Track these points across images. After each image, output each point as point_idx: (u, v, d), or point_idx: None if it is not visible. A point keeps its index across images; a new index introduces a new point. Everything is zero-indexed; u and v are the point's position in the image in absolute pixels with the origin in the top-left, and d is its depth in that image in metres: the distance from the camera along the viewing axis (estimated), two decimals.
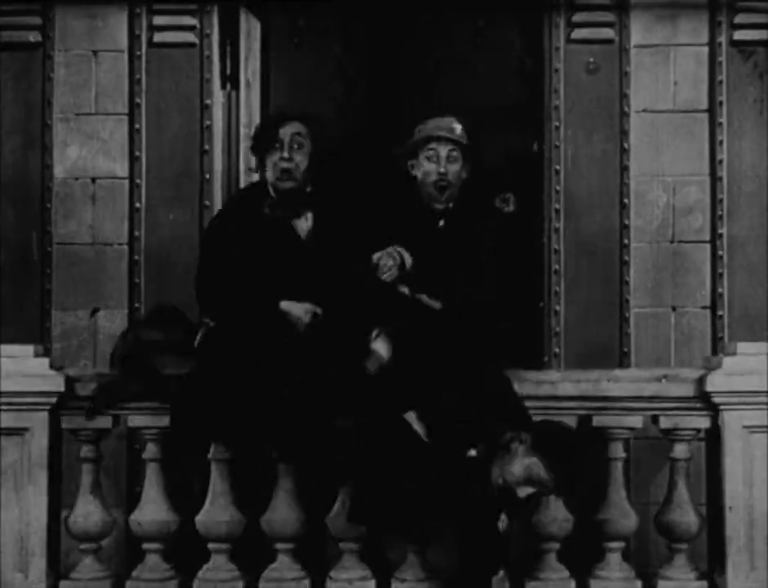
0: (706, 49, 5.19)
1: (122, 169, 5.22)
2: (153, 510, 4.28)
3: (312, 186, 4.30)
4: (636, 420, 4.27)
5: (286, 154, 4.21)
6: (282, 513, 4.24)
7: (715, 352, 5.05)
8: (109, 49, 5.23)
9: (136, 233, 5.21)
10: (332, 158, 4.33)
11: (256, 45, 5.39)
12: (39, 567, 4.18)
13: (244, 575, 4.29)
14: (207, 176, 5.23)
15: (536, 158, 5.31)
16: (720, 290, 5.16)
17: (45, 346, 4.46)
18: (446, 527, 4.00)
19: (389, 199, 4.40)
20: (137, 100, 5.23)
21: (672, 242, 5.19)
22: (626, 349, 5.15)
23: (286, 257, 4.20)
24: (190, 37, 5.25)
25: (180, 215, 5.20)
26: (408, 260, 4.16)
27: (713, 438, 4.27)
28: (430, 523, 4.02)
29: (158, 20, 5.24)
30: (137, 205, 5.21)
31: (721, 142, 5.17)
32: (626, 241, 5.18)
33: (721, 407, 4.18)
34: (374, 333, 4.09)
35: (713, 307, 5.17)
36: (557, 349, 5.17)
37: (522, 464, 3.82)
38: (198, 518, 4.26)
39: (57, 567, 4.32)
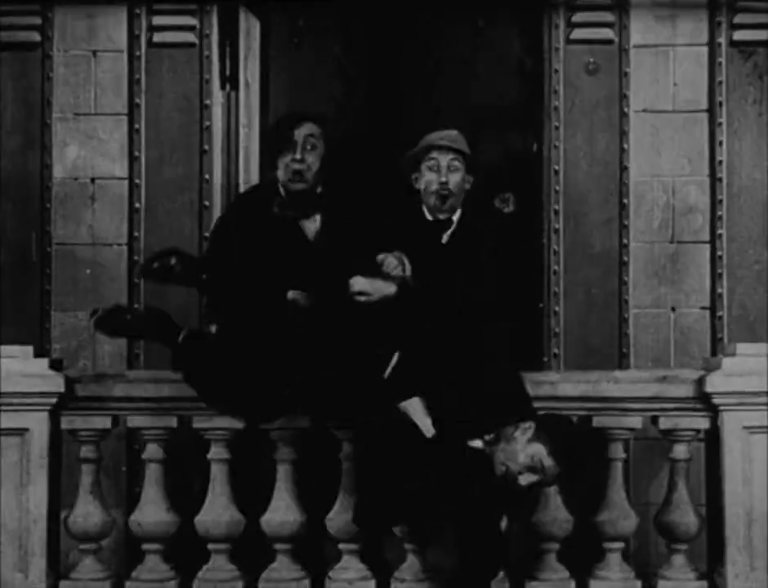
0: (706, 49, 5.19)
1: (121, 169, 5.22)
2: (152, 510, 4.28)
3: (323, 187, 4.29)
4: (636, 421, 4.27)
5: (299, 156, 4.20)
6: (282, 513, 4.24)
7: (714, 353, 5.05)
8: (108, 49, 5.23)
9: (136, 234, 5.21)
10: (341, 159, 4.33)
11: (256, 45, 5.38)
12: (39, 567, 4.18)
13: (244, 575, 4.29)
14: (207, 176, 5.23)
15: (536, 158, 5.31)
16: (719, 290, 5.16)
17: (45, 347, 4.46)
18: (446, 527, 4.00)
19: (393, 212, 4.39)
20: (137, 100, 5.23)
21: (671, 242, 5.19)
22: (625, 350, 5.15)
23: (293, 257, 4.20)
24: (190, 37, 5.25)
25: (180, 215, 5.20)
26: (408, 268, 4.15)
27: (713, 439, 4.27)
28: (430, 523, 4.02)
29: (158, 20, 5.24)
30: (137, 205, 5.21)
31: (721, 142, 5.17)
32: (626, 241, 5.18)
33: (721, 407, 4.18)
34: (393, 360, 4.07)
35: (713, 307, 5.17)
36: (557, 350, 5.17)
37: (526, 451, 3.82)
38: (198, 518, 4.27)
39: (57, 568, 4.32)
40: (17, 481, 4.18)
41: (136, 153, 5.22)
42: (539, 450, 3.82)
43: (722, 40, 5.18)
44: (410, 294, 4.06)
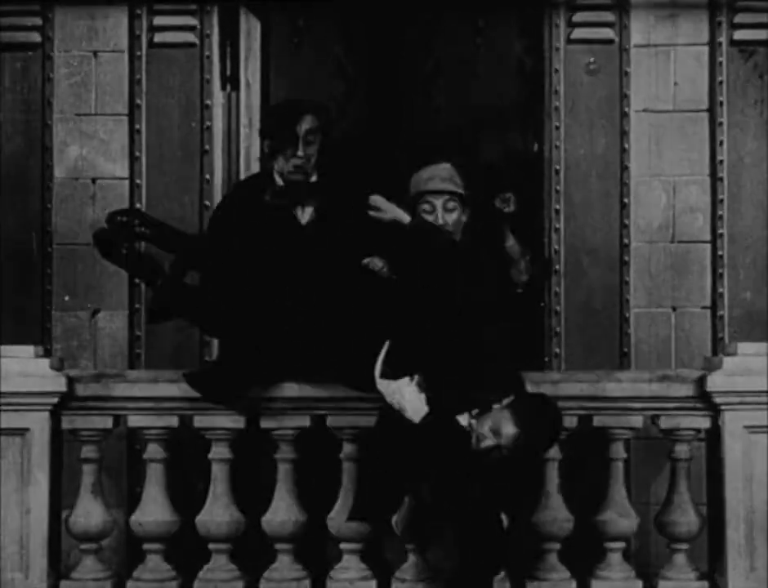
0: (706, 49, 5.19)
1: (122, 169, 5.22)
2: (153, 510, 4.28)
3: (318, 176, 4.30)
4: (637, 421, 4.27)
5: (301, 153, 4.21)
6: (282, 513, 4.24)
7: (715, 352, 5.05)
8: (109, 49, 5.23)
9: None
10: (340, 158, 4.34)
11: (256, 45, 5.39)
12: (40, 567, 4.18)
13: (245, 575, 4.29)
14: (207, 177, 5.23)
15: (536, 158, 5.31)
16: (720, 290, 5.16)
17: (45, 347, 4.46)
18: (446, 527, 4.00)
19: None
20: (137, 101, 5.23)
21: (672, 242, 5.19)
22: (626, 350, 5.15)
23: (286, 245, 4.21)
24: (190, 37, 5.25)
25: (181, 215, 5.19)
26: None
27: (713, 439, 4.27)
28: (430, 523, 4.02)
29: (159, 21, 5.24)
30: (138, 205, 5.21)
31: (722, 142, 5.17)
32: (626, 241, 5.18)
33: (722, 407, 4.18)
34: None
35: (713, 307, 5.17)
36: (557, 350, 5.17)
37: (493, 418, 3.82)
38: (199, 518, 4.27)
39: (58, 567, 4.33)
40: (18, 481, 4.18)
41: (137, 154, 5.22)
42: (504, 416, 3.81)
43: (723, 40, 5.18)
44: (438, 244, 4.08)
